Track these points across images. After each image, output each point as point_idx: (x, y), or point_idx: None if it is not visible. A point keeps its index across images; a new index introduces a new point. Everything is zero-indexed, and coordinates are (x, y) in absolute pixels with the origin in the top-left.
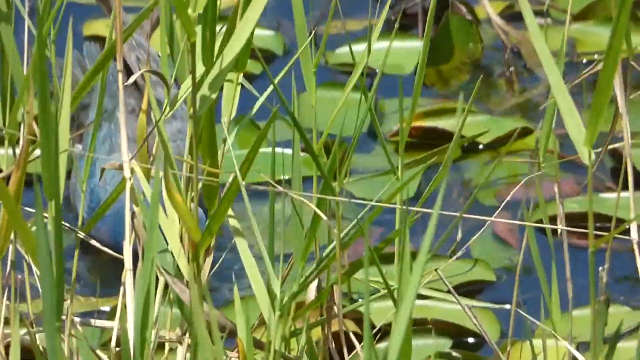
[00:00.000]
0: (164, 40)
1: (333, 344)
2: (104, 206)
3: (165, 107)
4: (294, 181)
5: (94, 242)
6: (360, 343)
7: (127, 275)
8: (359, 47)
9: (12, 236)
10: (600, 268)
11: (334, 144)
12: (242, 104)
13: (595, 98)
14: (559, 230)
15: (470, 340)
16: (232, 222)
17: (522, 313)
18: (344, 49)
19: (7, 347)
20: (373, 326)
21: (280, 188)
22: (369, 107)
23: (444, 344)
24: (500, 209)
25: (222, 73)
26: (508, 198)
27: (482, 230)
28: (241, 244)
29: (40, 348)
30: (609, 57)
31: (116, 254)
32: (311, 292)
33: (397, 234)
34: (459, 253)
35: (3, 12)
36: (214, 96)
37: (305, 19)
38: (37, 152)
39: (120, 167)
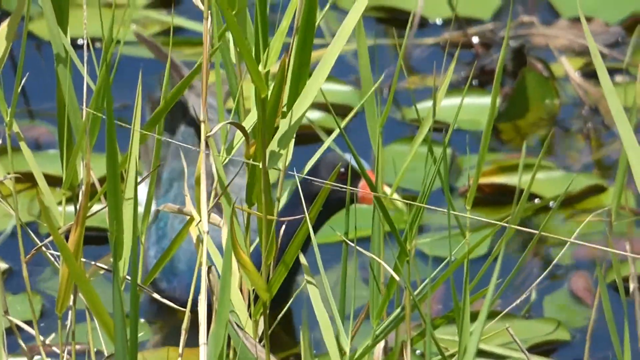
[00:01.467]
0: (220, 92)
1: None
2: (167, 252)
3: (223, 153)
4: (373, 239)
5: (167, 302)
6: None
7: (202, 333)
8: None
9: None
10: None
11: (411, 199)
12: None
13: None
14: (631, 289)
15: None
16: (305, 274)
17: None
18: (421, 105)
19: None
20: None
21: (352, 244)
22: (439, 161)
23: None
24: (575, 267)
25: (292, 128)
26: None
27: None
28: (315, 297)
29: None
30: None
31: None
32: (378, 352)
33: (483, 294)
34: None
35: (62, 57)
36: (283, 152)
37: (370, 74)
38: (99, 206)
39: (179, 212)
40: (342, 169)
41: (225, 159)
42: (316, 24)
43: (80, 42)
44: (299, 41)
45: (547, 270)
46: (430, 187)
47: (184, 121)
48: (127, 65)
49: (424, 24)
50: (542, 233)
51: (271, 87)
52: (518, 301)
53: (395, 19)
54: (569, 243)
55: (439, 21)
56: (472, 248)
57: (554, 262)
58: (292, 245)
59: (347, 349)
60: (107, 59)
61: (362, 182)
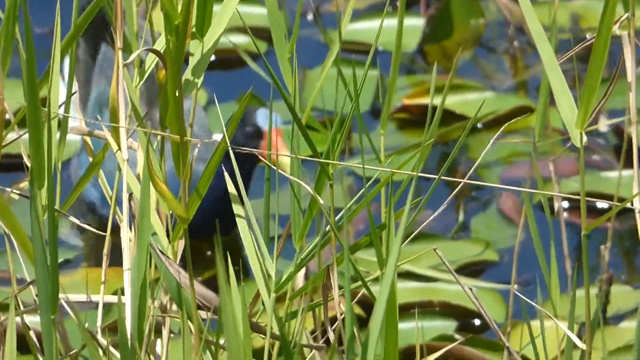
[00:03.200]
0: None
1: (330, 326)
2: (83, 179)
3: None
4: (292, 160)
5: (86, 226)
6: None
7: (125, 259)
8: (362, 25)
9: None
10: (602, 247)
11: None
12: (246, 83)
13: (587, 76)
14: (556, 209)
15: (477, 322)
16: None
17: (520, 295)
18: (348, 27)
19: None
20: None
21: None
22: (363, 81)
23: (450, 326)
24: (503, 188)
25: (206, 56)
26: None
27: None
28: (241, 223)
29: (34, 336)
30: (601, 32)
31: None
32: (299, 278)
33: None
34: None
35: None
36: (198, 80)
37: None
38: (14, 135)
39: (83, 132)
40: (248, 129)
41: (138, 83)
42: None
43: None
44: None
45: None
46: (355, 109)
47: (105, 41)
48: None
49: None
50: (469, 155)
51: (178, 9)
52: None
53: None
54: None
55: None
56: (399, 167)
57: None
58: (207, 169)
59: (272, 273)
60: None
61: (264, 142)
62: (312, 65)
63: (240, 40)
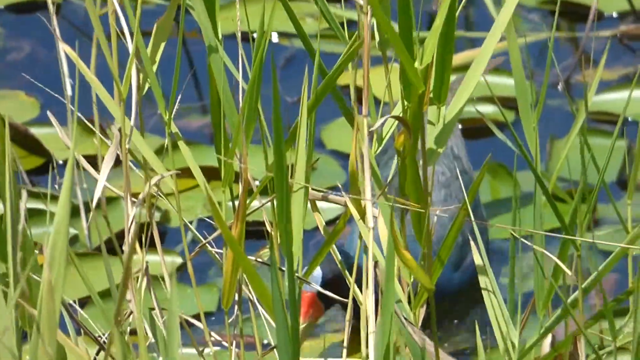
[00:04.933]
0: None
1: None
2: (324, 247)
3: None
4: (535, 237)
5: (328, 293)
6: None
7: (369, 324)
8: (612, 96)
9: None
10: None
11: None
12: (495, 151)
13: None
14: None
15: None
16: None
17: None
18: (597, 98)
19: None
20: None
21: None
22: (609, 152)
23: None
24: None
25: (450, 124)
26: None
27: None
28: (488, 293)
29: None
30: None
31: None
32: (546, 344)
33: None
34: None
35: (214, 47)
36: (440, 150)
37: (523, 71)
38: (255, 203)
39: (328, 199)
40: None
41: (377, 150)
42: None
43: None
44: (442, 34)
45: None
46: (601, 179)
47: None
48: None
49: (599, 17)
50: None
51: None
52: None
53: (569, 12)
54: None
55: (615, 14)
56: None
57: None
58: (448, 237)
59: (515, 342)
60: (260, 51)
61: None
62: (560, 135)
63: (487, 110)
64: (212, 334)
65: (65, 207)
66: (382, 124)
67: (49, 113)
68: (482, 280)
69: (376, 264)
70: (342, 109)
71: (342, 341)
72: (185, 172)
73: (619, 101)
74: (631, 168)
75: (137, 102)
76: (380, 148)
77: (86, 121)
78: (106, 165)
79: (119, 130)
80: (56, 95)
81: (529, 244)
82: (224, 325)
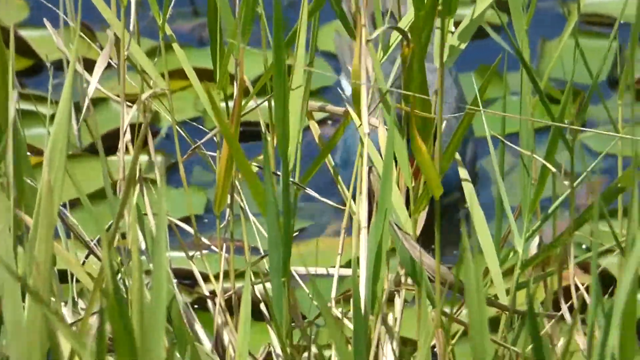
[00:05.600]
0: None
1: (563, 298)
2: (319, 157)
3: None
4: (521, 132)
5: (323, 199)
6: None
7: (362, 232)
8: None
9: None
10: None
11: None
12: (484, 54)
13: None
14: None
15: None
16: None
17: None
18: (590, 0)
19: (226, 300)
20: (609, 279)
21: (508, 142)
22: (606, 52)
23: None
24: None
25: (475, 22)
26: None
27: None
28: (470, 193)
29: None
30: None
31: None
32: (533, 248)
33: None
34: None
35: None
36: (462, 46)
37: None
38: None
39: (324, 110)
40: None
41: (383, 58)
42: None
43: None
44: None
45: None
46: (597, 78)
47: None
48: None
49: None
50: None
51: None
52: None
53: None
54: None
55: None
56: None
57: None
58: (452, 141)
59: (519, 249)
60: None
61: None
62: (551, 36)
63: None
64: (202, 238)
65: (67, 107)
66: (388, 36)
67: (45, 21)
68: (465, 185)
69: (370, 170)
70: (338, 13)
71: (337, 248)
72: (174, 74)
73: (610, 3)
74: (622, 69)
75: (136, 4)
76: (385, 57)
77: (72, 23)
78: (99, 66)
79: (115, 34)
80: None
81: (516, 147)
82: (212, 229)
